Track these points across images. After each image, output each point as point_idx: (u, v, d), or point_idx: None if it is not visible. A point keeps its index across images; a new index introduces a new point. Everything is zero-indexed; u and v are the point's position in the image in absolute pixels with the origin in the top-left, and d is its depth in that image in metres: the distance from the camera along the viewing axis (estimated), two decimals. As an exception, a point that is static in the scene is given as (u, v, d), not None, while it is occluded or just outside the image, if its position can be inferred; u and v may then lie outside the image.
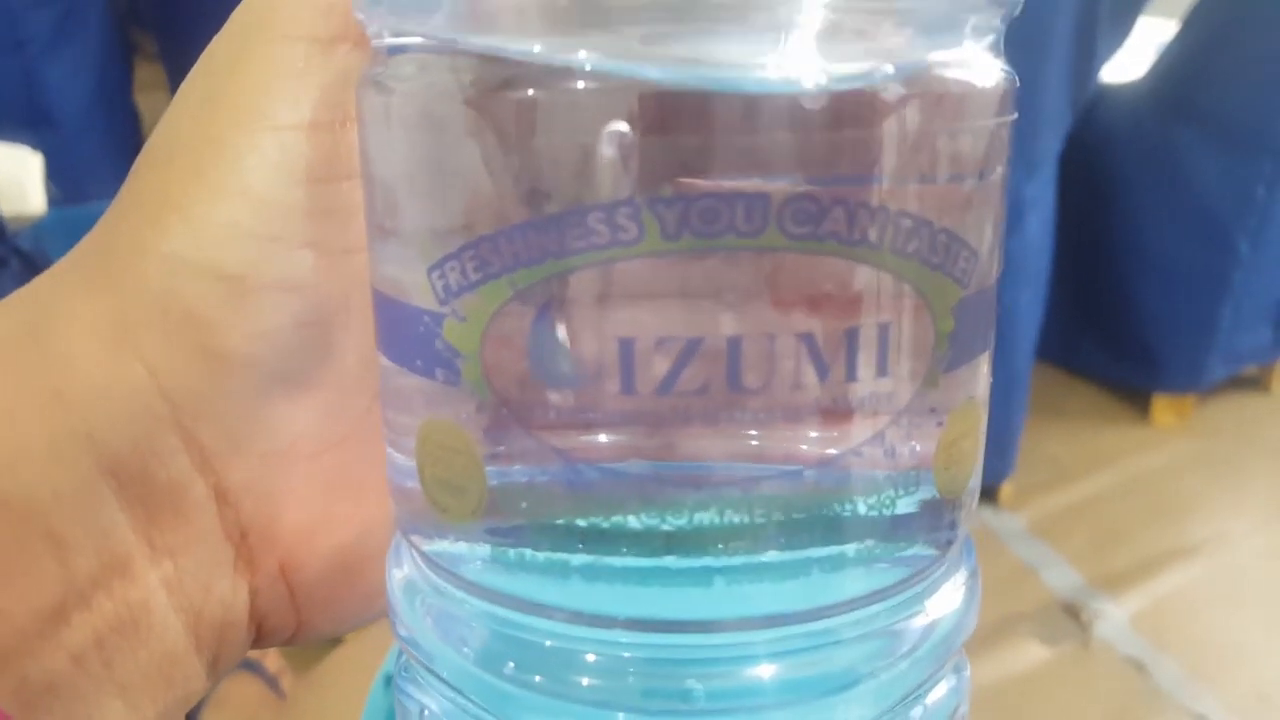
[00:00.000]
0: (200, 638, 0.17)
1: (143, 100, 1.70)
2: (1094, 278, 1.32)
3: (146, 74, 1.74)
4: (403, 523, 0.16)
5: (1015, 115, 0.14)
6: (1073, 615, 1.05)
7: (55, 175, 0.89)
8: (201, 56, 0.17)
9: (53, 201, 0.89)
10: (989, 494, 1.19)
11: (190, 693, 0.17)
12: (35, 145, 0.88)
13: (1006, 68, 0.15)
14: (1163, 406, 1.33)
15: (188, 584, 0.16)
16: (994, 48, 0.15)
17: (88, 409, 0.15)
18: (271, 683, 0.78)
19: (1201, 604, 1.07)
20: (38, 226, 0.86)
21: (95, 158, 1.51)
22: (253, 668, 0.79)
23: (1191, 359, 1.29)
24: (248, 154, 0.16)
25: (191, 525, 0.16)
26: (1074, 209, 1.18)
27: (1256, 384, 1.40)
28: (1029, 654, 1.01)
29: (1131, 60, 1.22)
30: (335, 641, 0.90)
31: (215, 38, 0.17)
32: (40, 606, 0.15)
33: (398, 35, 0.14)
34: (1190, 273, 1.25)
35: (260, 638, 0.18)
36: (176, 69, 1.64)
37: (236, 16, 0.17)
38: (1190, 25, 1.21)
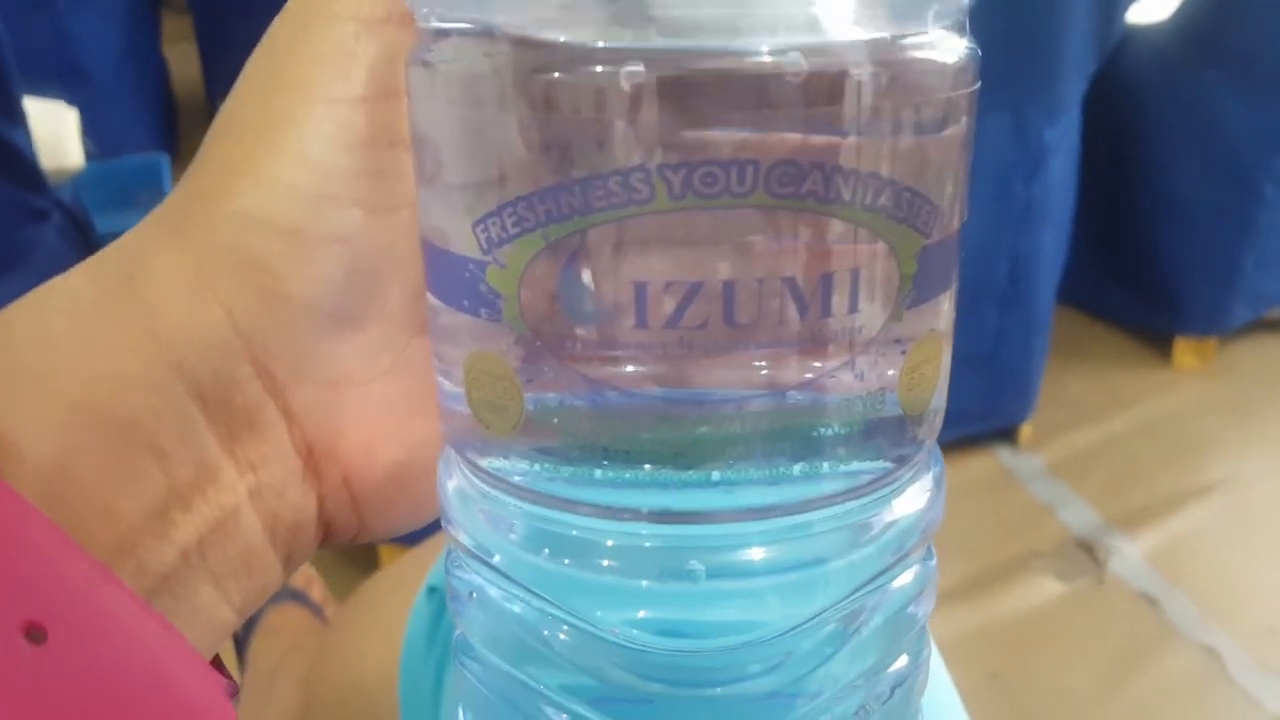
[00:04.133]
0: (276, 536, 0.19)
1: (170, 52, 1.71)
2: (1118, 220, 1.31)
3: (174, 26, 1.75)
4: (453, 439, 0.19)
5: (977, 85, 0.17)
6: (1088, 552, 1.07)
7: (86, 127, 0.90)
8: (264, 37, 0.20)
9: (88, 155, 0.91)
10: (1008, 435, 1.19)
11: (269, 582, 0.20)
12: (65, 99, 0.88)
13: (970, 44, 0.17)
14: (1185, 349, 1.33)
15: (266, 492, 0.19)
16: (957, 28, 0.17)
17: (177, 344, 0.18)
18: (316, 611, 0.82)
19: (1215, 542, 1.08)
20: (76, 180, 0.89)
21: (125, 109, 1.53)
22: (298, 597, 0.82)
23: (1214, 302, 1.29)
24: (305, 124, 0.18)
25: (267, 442, 0.19)
26: (1099, 151, 1.17)
27: (1280, 327, 1.40)
28: (1045, 589, 1.03)
29: (1159, 1, 1.20)
30: (372, 569, 0.94)
31: (275, 19, 0.19)
32: (149, 507, 0.17)
33: (442, 20, 0.17)
34: (1214, 215, 1.24)
35: (328, 536, 0.21)
36: (203, 21, 1.65)
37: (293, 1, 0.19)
38: (1217, -34, 1.19)
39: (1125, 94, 1.24)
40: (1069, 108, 1.06)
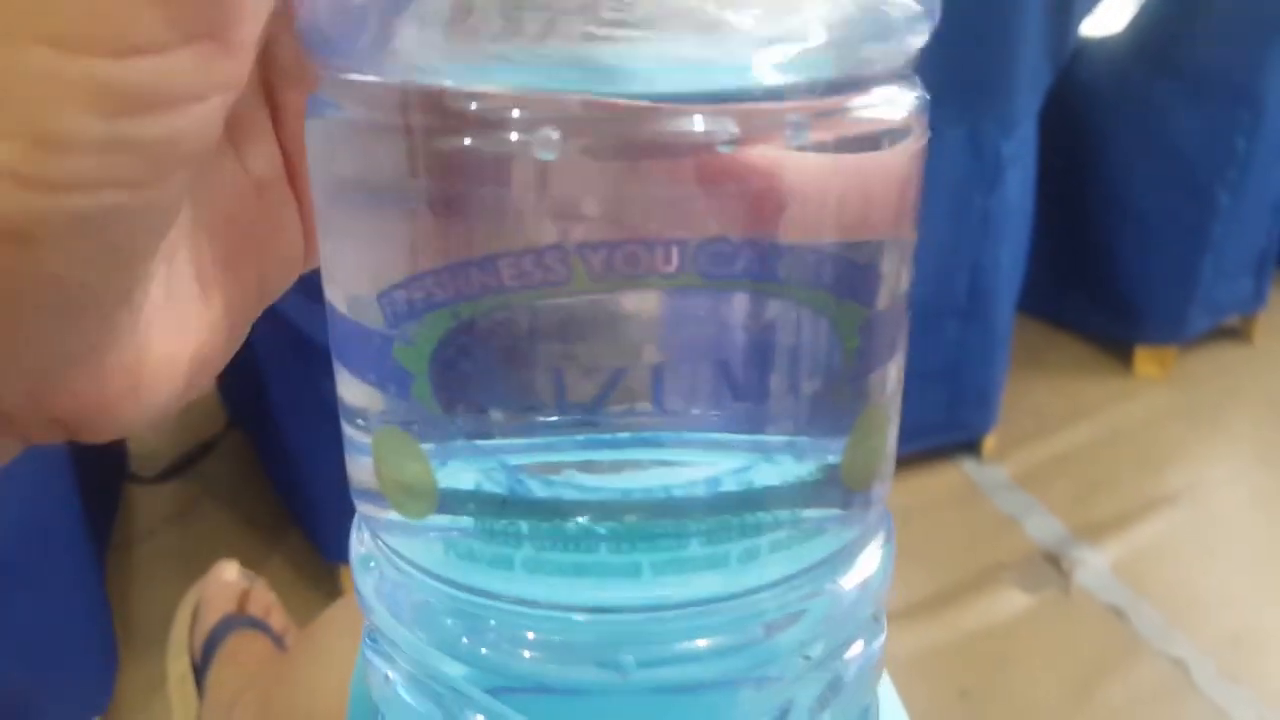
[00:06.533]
0: None
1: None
2: (1076, 230, 1.32)
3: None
4: (362, 509, 0.17)
5: (927, 137, 0.15)
6: (1054, 564, 1.06)
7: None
8: None
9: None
10: (972, 446, 1.19)
11: None
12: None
13: (918, 93, 0.16)
14: (1145, 357, 1.34)
15: None
16: (905, 79, 0.15)
17: None
18: (277, 640, 0.80)
19: (1181, 552, 1.08)
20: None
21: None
22: (258, 625, 0.80)
23: (1173, 310, 1.30)
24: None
25: None
26: (1056, 163, 1.17)
27: (1238, 334, 1.40)
28: (1011, 602, 1.02)
29: (1112, 14, 1.20)
30: (333, 592, 0.93)
31: None
32: None
33: (343, 70, 0.15)
34: (1171, 224, 1.25)
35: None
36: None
37: None
38: (1170, -23, 1.20)
39: (1081, 106, 1.24)
40: (1024, 121, 1.06)
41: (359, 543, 0.18)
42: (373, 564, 0.18)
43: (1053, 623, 1.01)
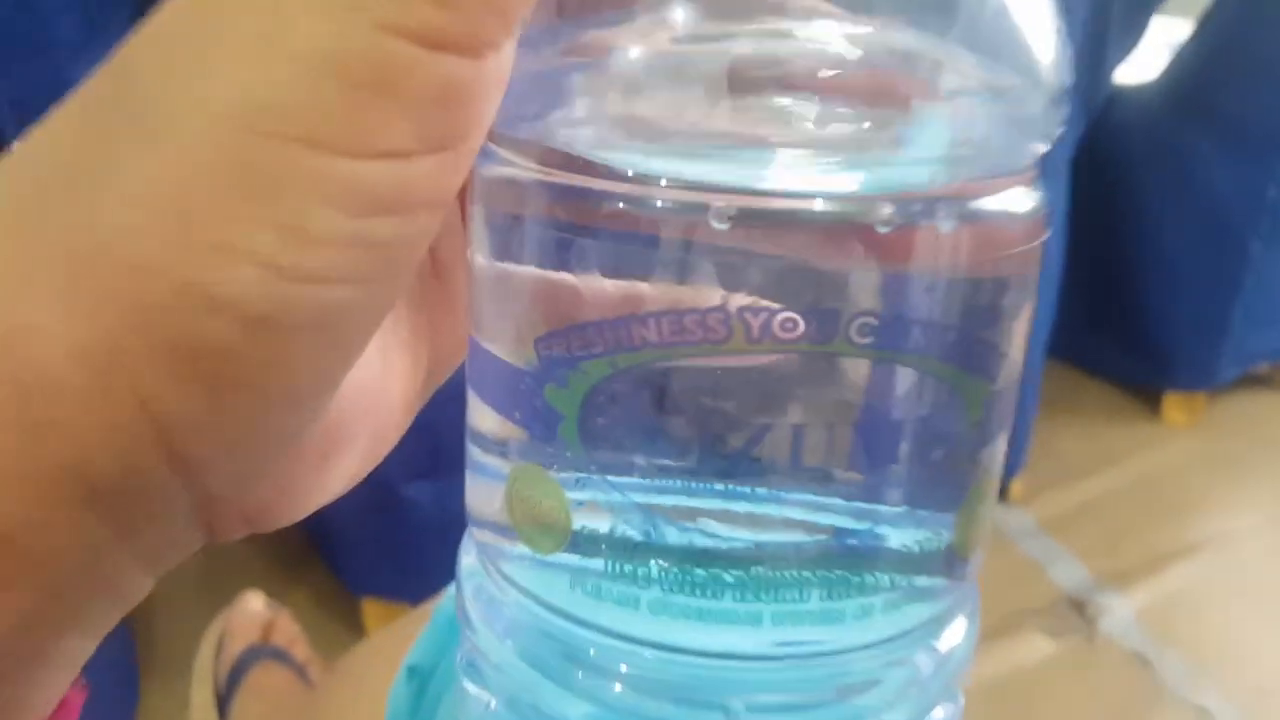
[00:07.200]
0: (153, 568, 0.16)
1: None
2: (1107, 276, 1.32)
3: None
4: (481, 537, 0.18)
5: (1048, 233, 0.16)
6: (1079, 610, 1.06)
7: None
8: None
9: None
10: (1000, 490, 1.19)
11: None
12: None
13: (1041, 193, 0.17)
14: (1174, 404, 1.33)
15: (144, 549, 0.16)
16: (1032, 180, 0.17)
17: (74, 440, 0.14)
18: (300, 671, 0.80)
19: (1207, 600, 1.07)
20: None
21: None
22: (281, 656, 0.80)
23: (1203, 357, 1.29)
24: (296, 185, 0.13)
25: (159, 512, 0.16)
26: (1088, 209, 1.17)
27: (1268, 382, 1.39)
28: (1035, 648, 1.01)
29: (1147, 61, 1.21)
30: (356, 627, 0.93)
31: None
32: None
33: (514, 131, 0.16)
34: (1202, 272, 1.25)
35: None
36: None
37: None
38: (1204, 26, 1.20)
39: (1113, 153, 1.24)
40: (1056, 169, 1.05)
41: (467, 565, 0.19)
42: (482, 588, 0.18)
43: (1077, 669, 1.00)
